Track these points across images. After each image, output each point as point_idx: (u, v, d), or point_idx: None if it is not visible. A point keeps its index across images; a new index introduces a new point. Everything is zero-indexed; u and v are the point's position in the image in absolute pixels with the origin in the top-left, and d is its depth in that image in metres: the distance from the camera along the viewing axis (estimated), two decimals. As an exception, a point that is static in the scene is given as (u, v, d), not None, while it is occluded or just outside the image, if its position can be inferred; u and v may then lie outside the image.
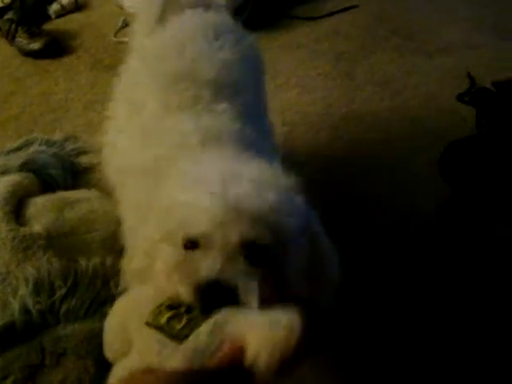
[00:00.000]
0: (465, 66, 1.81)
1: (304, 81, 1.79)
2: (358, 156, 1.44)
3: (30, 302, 0.87)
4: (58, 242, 0.98)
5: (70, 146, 1.50)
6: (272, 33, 2.09)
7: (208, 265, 0.62)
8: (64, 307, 0.87)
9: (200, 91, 0.90)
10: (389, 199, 1.32)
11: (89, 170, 1.43)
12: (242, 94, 0.94)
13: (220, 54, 0.97)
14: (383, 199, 1.32)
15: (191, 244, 0.65)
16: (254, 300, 0.62)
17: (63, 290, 0.88)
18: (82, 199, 1.11)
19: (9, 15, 2.13)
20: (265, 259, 0.65)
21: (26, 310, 0.87)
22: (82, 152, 1.49)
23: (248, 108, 0.93)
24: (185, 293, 0.62)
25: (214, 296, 0.61)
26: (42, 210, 1.04)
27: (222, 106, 0.88)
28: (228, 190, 0.65)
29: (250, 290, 0.62)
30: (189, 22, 1.04)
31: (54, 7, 2.40)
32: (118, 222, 1.07)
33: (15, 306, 0.87)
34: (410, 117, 1.58)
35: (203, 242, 0.64)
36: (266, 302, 0.62)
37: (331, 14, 2.23)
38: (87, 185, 1.36)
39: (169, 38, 1.02)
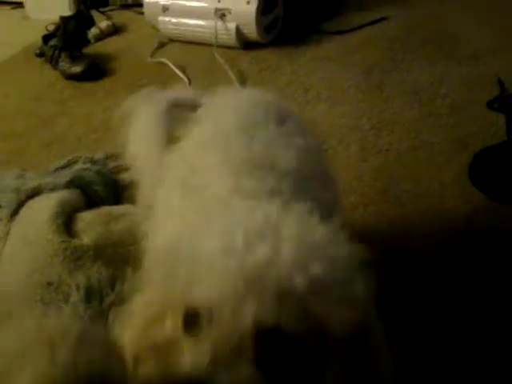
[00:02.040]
0: (495, 72, 1.81)
1: (335, 93, 1.82)
2: (389, 165, 1.46)
3: (81, 308, 0.93)
4: (106, 253, 1.04)
5: (111, 164, 1.56)
6: (302, 47, 2.14)
7: (195, 354, 0.46)
8: (113, 313, 0.93)
9: (279, 183, 0.70)
10: (419, 203, 1.33)
11: (129, 186, 1.50)
12: (323, 190, 0.76)
13: (296, 140, 0.80)
14: (414, 202, 1.34)
15: (191, 317, 0.49)
16: None
17: (112, 297, 0.94)
18: (126, 213, 1.17)
19: (53, 42, 2.25)
20: (288, 362, 0.47)
21: (77, 316, 0.93)
22: (123, 169, 1.56)
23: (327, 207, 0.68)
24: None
25: None
26: (90, 224, 1.10)
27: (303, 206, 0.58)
28: (252, 248, 0.48)
29: None
30: (243, 102, 0.88)
31: (93, 31, 2.52)
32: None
33: (67, 311, 0.93)
34: (440, 125, 1.59)
35: (205, 316, 0.48)
36: None
37: (360, 26, 2.27)
38: (128, 200, 1.43)
39: (229, 122, 0.83)
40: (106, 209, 1.22)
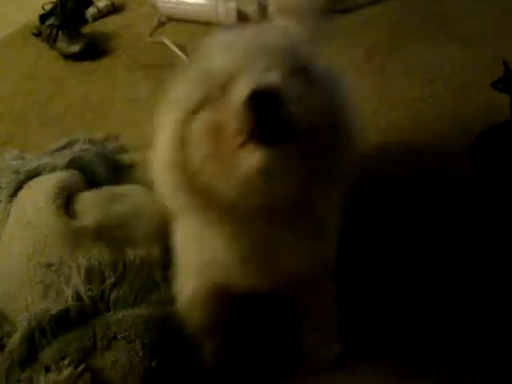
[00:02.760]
0: (499, 54, 1.79)
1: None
2: (388, 144, 1.45)
3: (82, 290, 0.92)
4: (107, 234, 1.03)
5: (111, 144, 1.56)
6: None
7: (248, 78, 0.62)
8: (113, 295, 0.92)
9: None
10: (416, 181, 1.33)
11: (130, 167, 1.49)
12: None
13: None
14: (411, 181, 1.34)
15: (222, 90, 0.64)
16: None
17: (113, 279, 0.94)
18: (128, 194, 1.17)
19: (50, 21, 2.22)
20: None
21: (78, 297, 0.92)
22: (123, 150, 1.55)
23: None
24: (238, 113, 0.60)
25: (262, 103, 0.59)
26: (90, 205, 1.09)
27: None
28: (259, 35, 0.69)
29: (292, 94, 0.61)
30: None
31: (91, 11, 2.48)
32: (161, 216, 1.13)
33: (68, 293, 0.93)
34: (442, 106, 1.58)
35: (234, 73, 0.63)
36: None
37: (361, 6, 2.24)
38: (128, 181, 1.42)
39: None
40: (106, 189, 1.20)
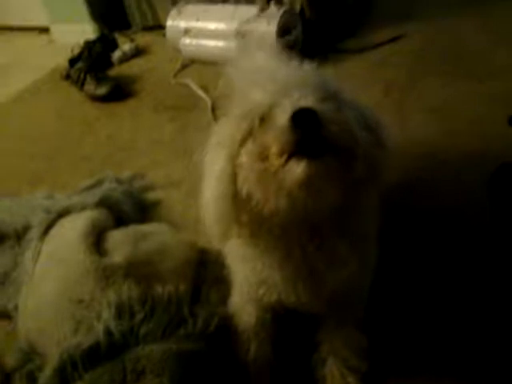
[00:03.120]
0: (516, 88, 1.82)
1: (355, 111, 1.84)
2: (407, 181, 1.47)
3: (112, 325, 0.95)
4: (136, 271, 1.07)
5: (137, 183, 1.62)
6: (322, 66, 2.16)
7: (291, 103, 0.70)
8: (143, 329, 0.95)
9: None
10: (438, 217, 1.35)
11: (155, 205, 1.54)
12: None
13: None
14: (433, 217, 1.35)
15: (263, 120, 0.72)
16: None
17: (142, 314, 0.96)
18: (154, 232, 1.21)
19: (78, 65, 2.32)
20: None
21: (109, 332, 0.95)
22: (149, 188, 1.61)
23: None
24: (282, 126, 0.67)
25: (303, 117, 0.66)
26: (119, 243, 1.14)
27: None
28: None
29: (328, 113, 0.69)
30: None
31: (117, 54, 2.59)
32: (187, 252, 1.17)
33: (99, 328, 0.95)
34: (459, 141, 1.59)
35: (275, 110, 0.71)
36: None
37: (379, 44, 2.29)
38: (155, 219, 1.47)
39: None
40: (134, 228, 1.25)
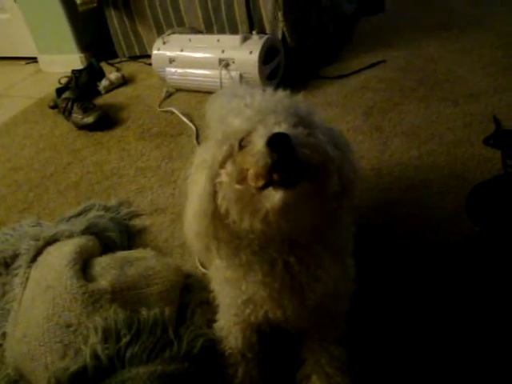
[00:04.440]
0: (491, 110, 1.87)
1: (336, 136, 1.89)
2: (388, 204, 1.51)
3: (99, 349, 0.97)
4: (122, 295, 1.09)
5: (124, 210, 1.64)
6: (303, 93, 2.21)
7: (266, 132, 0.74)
8: (129, 352, 0.97)
9: None
10: (417, 238, 1.38)
11: (142, 231, 1.57)
12: None
13: None
14: (412, 238, 1.38)
15: (241, 145, 0.77)
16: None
17: (128, 338, 0.98)
18: (140, 257, 1.23)
19: (66, 94, 2.35)
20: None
21: (95, 356, 0.96)
22: (135, 215, 1.64)
23: None
24: (259, 152, 0.72)
25: (278, 142, 0.71)
26: (106, 268, 1.16)
27: None
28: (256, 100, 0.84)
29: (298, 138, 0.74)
30: None
31: (104, 83, 2.64)
32: (172, 277, 1.20)
33: (86, 352, 0.97)
34: (437, 163, 1.63)
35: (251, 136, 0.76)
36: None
37: (359, 70, 2.37)
38: (141, 245, 1.49)
39: None
40: (120, 253, 1.28)
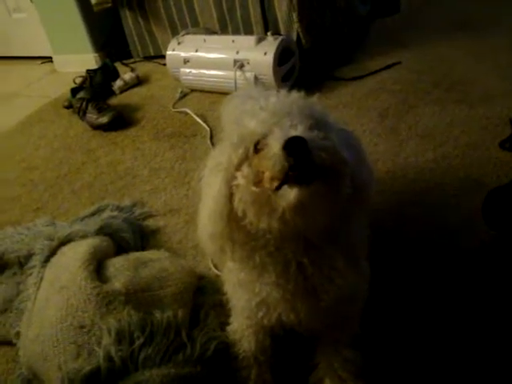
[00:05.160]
0: (507, 113, 1.85)
1: (351, 138, 1.88)
2: (402, 206, 1.49)
3: (112, 350, 0.97)
4: (135, 297, 1.09)
5: (137, 211, 1.65)
6: (318, 94, 2.20)
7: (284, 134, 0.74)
8: (142, 355, 0.97)
9: None
10: (432, 241, 1.36)
11: (155, 232, 1.57)
12: None
13: None
14: (427, 241, 1.37)
15: (257, 148, 0.77)
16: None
17: (141, 340, 0.99)
18: (154, 259, 1.23)
19: (80, 94, 2.36)
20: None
21: (109, 358, 0.97)
22: (149, 216, 1.64)
23: None
24: (276, 156, 0.72)
25: (294, 146, 0.71)
26: (120, 270, 1.16)
27: None
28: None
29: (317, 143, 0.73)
30: None
31: (118, 83, 2.65)
32: (186, 279, 1.19)
33: (100, 353, 0.98)
34: (452, 166, 1.62)
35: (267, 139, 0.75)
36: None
37: (374, 72, 2.35)
38: (155, 246, 1.50)
39: None
40: (134, 255, 1.28)
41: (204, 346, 1.01)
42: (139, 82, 2.74)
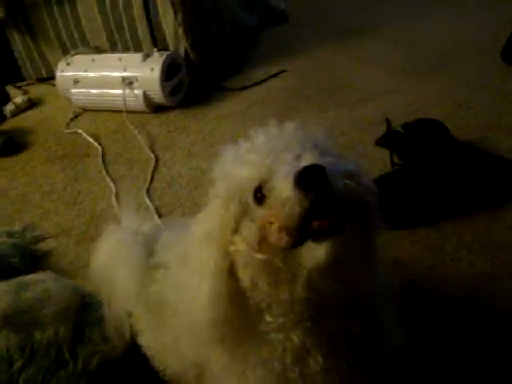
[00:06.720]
0: (383, 112, 1.97)
1: (237, 145, 1.94)
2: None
3: (-9, 374, 0.99)
4: (15, 320, 1.09)
5: (29, 235, 1.65)
6: (208, 106, 2.28)
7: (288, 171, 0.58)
8: (23, 376, 0.98)
9: None
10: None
11: (47, 254, 1.58)
12: None
13: None
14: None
15: (259, 197, 0.61)
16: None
17: (20, 362, 1.00)
18: (37, 281, 1.24)
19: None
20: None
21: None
22: (41, 239, 1.64)
23: None
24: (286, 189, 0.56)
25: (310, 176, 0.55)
26: (0, 295, 1.17)
27: None
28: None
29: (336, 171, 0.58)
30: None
31: (9, 107, 2.60)
32: (69, 297, 1.21)
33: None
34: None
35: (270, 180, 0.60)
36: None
37: (261, 81, 2.44)
38: (46, 268, 1.49)
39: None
40: (17, 279, 1.27)
41: (86, 361, 1.04)
42: (32, 104, 2.69)
